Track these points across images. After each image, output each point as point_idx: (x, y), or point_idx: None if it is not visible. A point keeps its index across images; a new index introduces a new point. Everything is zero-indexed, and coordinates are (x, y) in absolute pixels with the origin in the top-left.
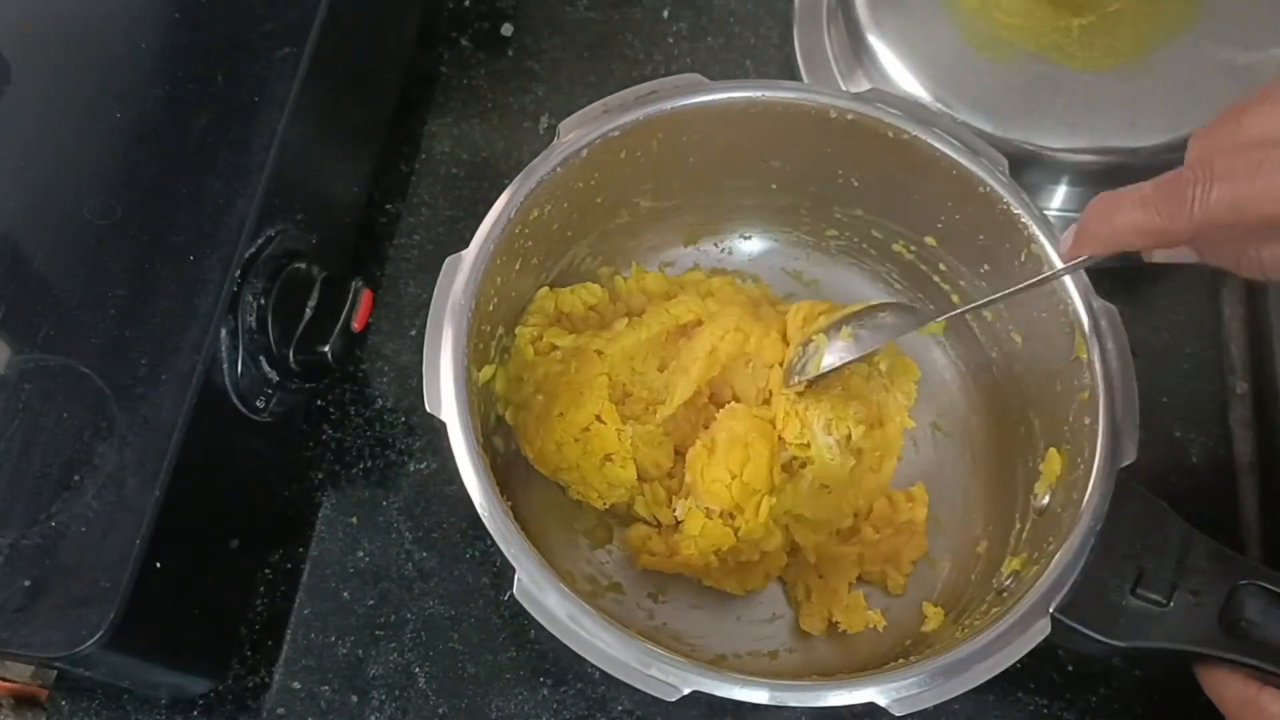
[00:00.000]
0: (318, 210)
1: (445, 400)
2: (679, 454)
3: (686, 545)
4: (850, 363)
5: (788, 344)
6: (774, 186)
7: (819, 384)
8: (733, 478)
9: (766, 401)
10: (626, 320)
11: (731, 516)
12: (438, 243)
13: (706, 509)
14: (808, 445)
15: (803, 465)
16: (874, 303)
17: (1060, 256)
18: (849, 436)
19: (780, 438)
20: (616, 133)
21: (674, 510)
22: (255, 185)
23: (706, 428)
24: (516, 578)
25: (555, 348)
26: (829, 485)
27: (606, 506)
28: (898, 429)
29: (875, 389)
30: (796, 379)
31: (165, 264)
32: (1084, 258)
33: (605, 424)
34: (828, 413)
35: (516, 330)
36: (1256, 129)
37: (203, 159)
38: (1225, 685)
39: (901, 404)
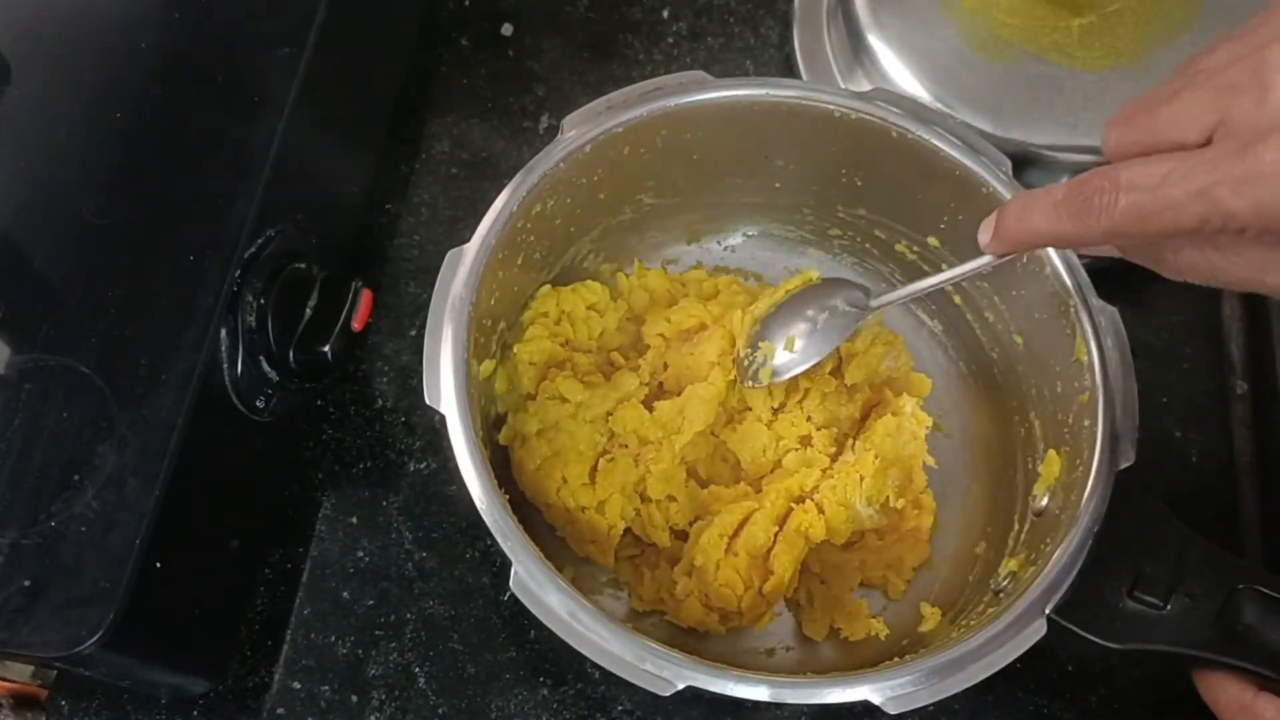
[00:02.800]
0: (318, 210)
1: (445, 393)
2: (691, 475)
3: (683, 613)
4: (804, 370)
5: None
6: (777, 185)
7: (854, 446)
8: (746, 589)
9: (779, 408)
10: (635, 369)
11: (731, 615)
12: (438, 242)
13: (705, 600)
14: (849, 520)
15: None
16: (812, 278)
17: (981, 245)
18: (886, 500)
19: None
20: (620, 129)
21: (671, 529)
22: (255, 185)
23: (712, 486)
24: (513, 571)
25: (565, 399)
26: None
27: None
28: (922, 474)
29: (906, 442)
30: (750, 383)
31: (165, 264)
32: (1000, 255)
33: (596, 488)
34: (869, 489)
35: (515, 348)
36: (1168, 128)
37: (203, 159)
38: (1222, 690)
39: (922, 440)
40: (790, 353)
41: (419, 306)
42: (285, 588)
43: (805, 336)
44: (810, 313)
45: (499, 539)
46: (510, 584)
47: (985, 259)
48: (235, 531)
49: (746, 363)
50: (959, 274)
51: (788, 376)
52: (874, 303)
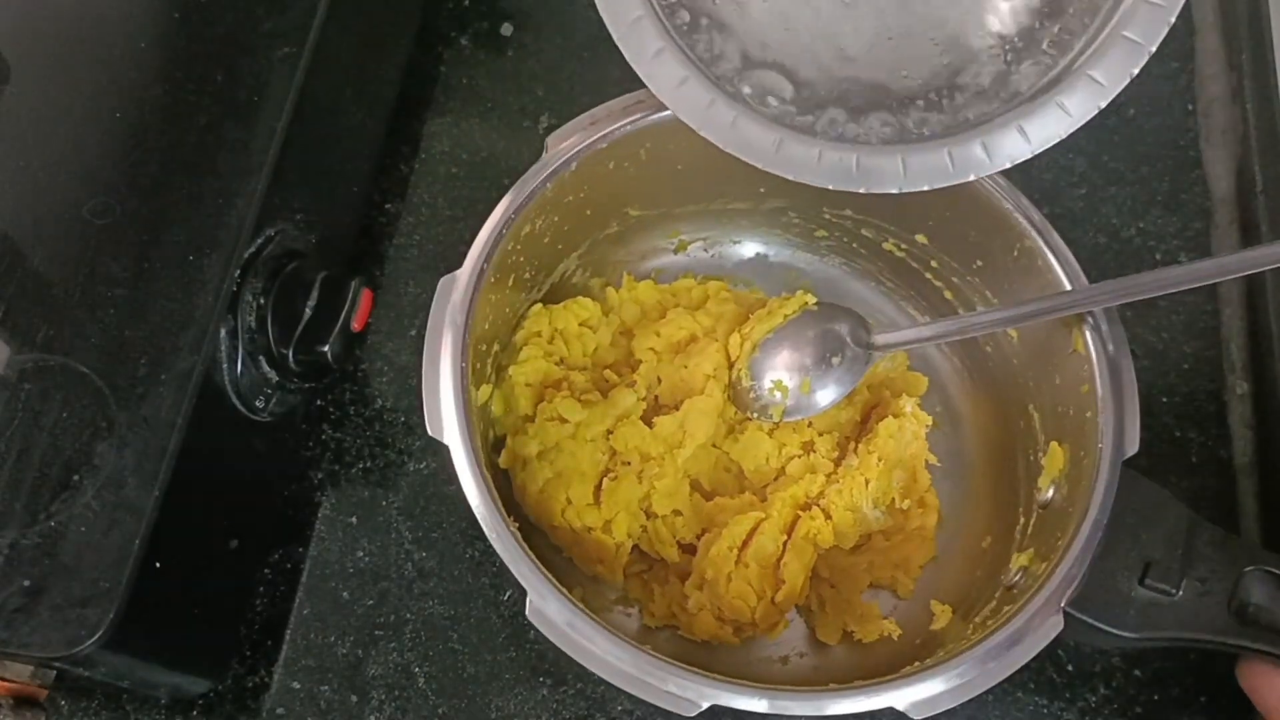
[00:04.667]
0: (318, 210)
1: (447, 423)
2: (695, 488)
3: (696, 627)
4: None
5: (731, 364)
6: (762, 190)
7: (856, 449)
8: (758, 599)
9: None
10: (631, 385)
11: (745, 626)
12: (437, 243)
13: (718, 612)
14: (856, 524)
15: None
16: (808, 303)
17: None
18: (892, 501)
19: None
20: (604, 144)
21: (678, 544)
22: (255, 185)
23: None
24: (529, 600)
25: (564, 419)
26: (861, 540)
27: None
28: (926, 473)
29: (908, 442)
30: (755, 416)
31: (165, 264)
32: None
33: (601, 507)
34: (874, 491)
35: (510, 370)
36: None
37: (203, 159)
38: (1266, 681)
39: (923, 439)
40: (805, 396)
41: (419, 306)
42: (285, 588)
43: (818, 381)
44: (814, 345)
45: (511, 567)
46: (526, 613)
47: (997, 315)
48: (235, 531)
49: (752, 395)
50: (966, 325)
51: (797, 419)
52: (879, 340)
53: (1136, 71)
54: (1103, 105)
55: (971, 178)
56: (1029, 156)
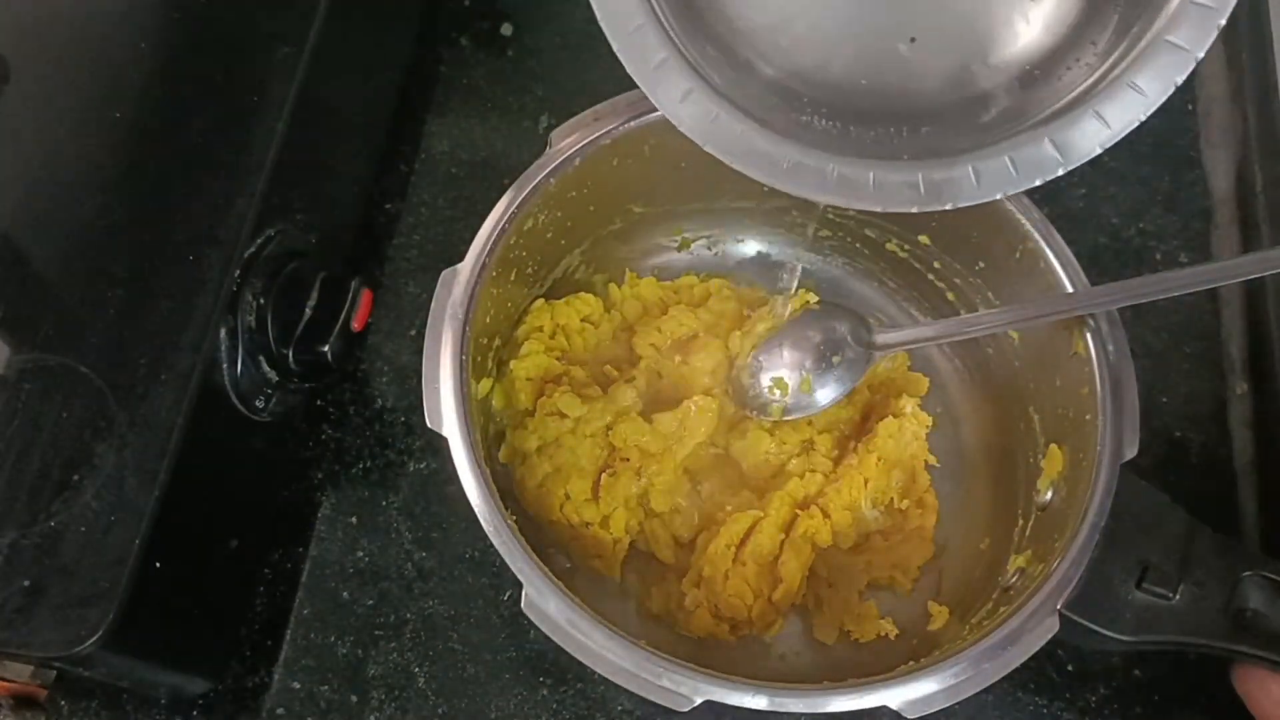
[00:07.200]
0: (318, 210)
1: (446, 415)
2: (694, 485)
3: (693, 624)
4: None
5: (731, 361)
6: (765, 189)
7: (856, 448)
8: (755, 598)
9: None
10: (631, 381)
11: (741, 625)
12: (437, 243)
13: (715, 610)
14: (855, 524)
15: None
16: (809, 301)
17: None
18: (891, 501)
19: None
20: (608, 140)
21: (676, 540)
22: (255, 185)
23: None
24: (524, 593)
25: (563, 415)
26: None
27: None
28: (925, 473)
29: (907, 442)
30: (755, 414)
31: (165, 264)
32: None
33: (599, 503)
34: (873, 491)
35: (511, 365)
36: None
37: (203, 159)
38: (1261, 688)
39: (923, 440)
40: (805, 394)
41: (419, 306)
42: (285, 588)
43: (819, 379)
44: (815, 344)
45: (507, 560)
46: (521, 606)
47: (999, 316)
48: (235, 531)
49: (752, 392)
50: (967, 326)
51: (797, 417)
52: (880, 340)
53: (1181, 81)
54: (1144, 117)
55: (997, 195)
56: (1063, 172)
